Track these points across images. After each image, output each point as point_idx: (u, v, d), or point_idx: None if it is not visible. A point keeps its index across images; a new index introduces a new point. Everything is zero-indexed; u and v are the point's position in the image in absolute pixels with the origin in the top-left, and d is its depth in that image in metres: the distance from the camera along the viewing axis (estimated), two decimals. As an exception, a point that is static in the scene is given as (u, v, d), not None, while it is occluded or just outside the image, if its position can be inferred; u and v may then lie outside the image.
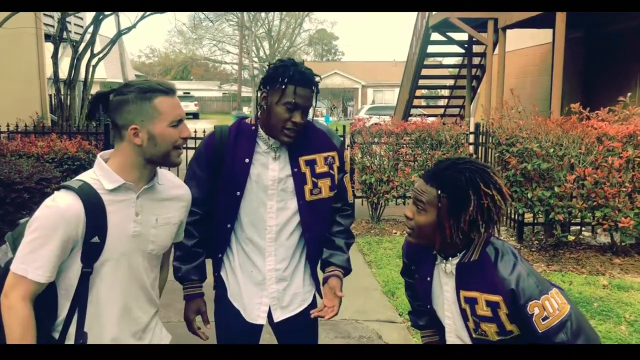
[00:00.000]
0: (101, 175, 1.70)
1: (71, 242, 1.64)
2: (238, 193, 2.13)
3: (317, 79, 2.11)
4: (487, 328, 1.68)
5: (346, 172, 2.29)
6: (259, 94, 2.11)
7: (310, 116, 2.18)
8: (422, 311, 2.04)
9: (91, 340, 1.72)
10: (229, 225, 2.16)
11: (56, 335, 1.71)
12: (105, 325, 1.74)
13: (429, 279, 1.84)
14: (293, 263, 2.22)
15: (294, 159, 2.15)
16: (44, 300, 1.67)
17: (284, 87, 2.01)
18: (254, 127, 2.16)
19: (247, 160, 2.12)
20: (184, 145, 1.79)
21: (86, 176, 1.72)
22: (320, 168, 2.18)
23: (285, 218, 2.17)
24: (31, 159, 6.34)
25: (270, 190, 2.14)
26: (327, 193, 2.20)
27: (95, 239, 1.65)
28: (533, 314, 1.60)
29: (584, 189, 5.42)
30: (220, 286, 2.26)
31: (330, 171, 2.20)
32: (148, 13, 11.88)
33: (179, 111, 1.73)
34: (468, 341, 1.78)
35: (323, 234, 2.25)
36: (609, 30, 10.12)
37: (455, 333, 1.81)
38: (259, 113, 2.14)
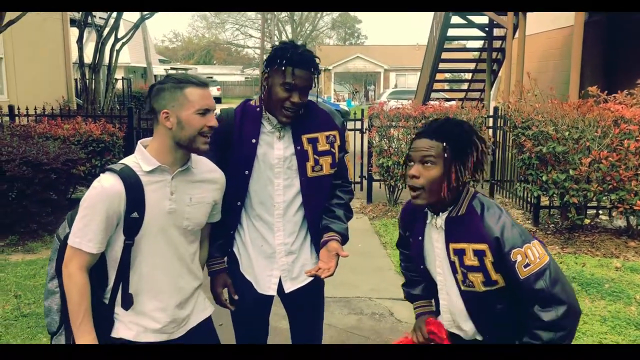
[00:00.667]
0: (140, 158, 1.93)
1: (115, 218, 1.87)
2: (247, 172, 2.22)
3: (316, 60, 2.18)
4: (474, 278, 1.80)
5: (347, 151, 2.39)
6: (262, 77, 2.21)
7: (318, 97, 2.29)
8: (415, 281, 2.15)
9: (137, 305, 1.94)
10: (239, 203, 2.26)
11: (106, 301, 1.94)
12: (150, 291, 1.96)
13: (420, 238, 1.97)
14: (300, 237, 2.32)
15: (297, 137, 2.24)
16: (96, 271, 1.91)
17: (282, 68, 2.11)
18: (258, 109, 2.25)
19: (253, 141, 2.22)
20: (210, 133, 1.95)
21: (129, 160, 1.95)
22: (322, 146, 2.27)
23: (291, 195, 2.27)
24: (57, 141, 6.55)
25: (277, 169, 2.24)
26: (327, 170, 2.29)
27: (135, 214, 1.88)
28: (516, 261, 1.73)
29: (599, 172, 5.43)
30: (233, 261, 2.36)
31: (332, 149, 2.29)
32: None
33: (207, 102, 1.93)
34: (458, 299, 1.89)
35: (321, 206, 2.34)
36: (630, 13, 9.95)
37: (446, 290, 1.93)
38: (262, 94, 2.23)
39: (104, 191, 1.86)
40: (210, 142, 2.23)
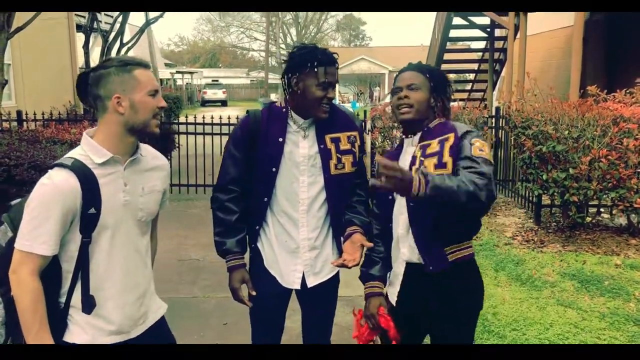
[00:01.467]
0: (89, 150, 1.82)
1: (70, 215, 1.76)
2: (274, 169, 2.33)
3: (335, 56, 2.35)
4: (428, 163, 2.04)
5: (365, 152, 2.55)
6: (287, 80, 2.33)
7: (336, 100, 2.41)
8: (374, 260, 2.32)
9: (97, 306, 1.84)
10: (265, 199, 2.37)
11: (61, 304, 1.83)
12: (109, 290, 1.87)
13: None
14: (323, 233, 2.43)
15: (320, 137, 2.37)
16: (47, 273, 1.79)
17: (315, 69, 2.25)
18: (284, 110, 2.38)
19: (280, 140, 2.33)
20: (160, 116, 1.92)
21: (75, 153, 1.84)
22: (344, 145, 2.40)
23: (315, 191, 2.38)
24: (65, 145, 6.63)
25: (302, 166, 2.35)
26: (349, 168, 2.42)
27: (92, 210, 1.77)
28: (473, 144, 2.02)
29: (599, 171, 5.49)
30: (256, 255, 2.45)
31: (353, 149, 2.42)
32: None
33: (155, 83, 1.89)
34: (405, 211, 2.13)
35: (343, 203, 2.47)
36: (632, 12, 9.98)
37: (400, 211, 2.18)
38: (287, 97, 2.37)
39: (57, 188, 1.73)
40: (238, 142, 2.34)
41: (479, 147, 2.01)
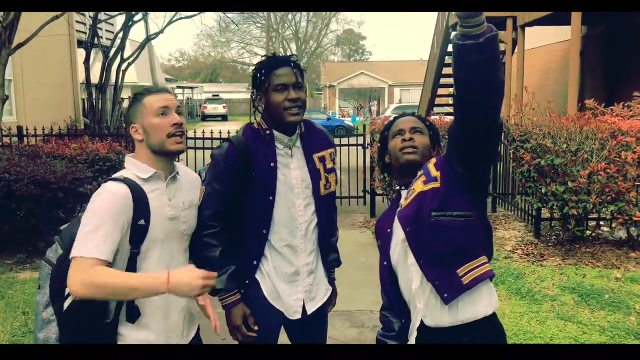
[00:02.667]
0: (135, 169, 1.94)
1: (126, 224, 1.82)
2: (271, 198, 2.19)
3: (293, 57, 2.24)
4: (417, 186, 1.96)
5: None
6: (253, 103, 2.24)
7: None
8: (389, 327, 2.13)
9: (144, 317, 1.88)
10: (264, 232, 2.21)
11: (110, 317, 1.84)
12: (155, 301, 1.89)
13: (389, 230, 2.06)
14: (317, 255, 2.35)
15: (308, 156, 2.28)
16: None
17: (264, 78, 2.17)
18: (268, 132, 2.23)
19: (272, 165, 2.20)
20: (179, 133, 1.97)
21: (122, 173, 1.95)
22: (329, 164, 2.33)
23: (310, 214, 2.28)
24: (65, 160, 6.65)
25: (297, 189, 2.24)
26: (334, 187, 2.37)
27: (142, 222, 1.85)
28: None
29: (598, 184, 5.49)
30: (255, 287, 2.27)
31: (334, 166, 2.36)
32: (175, 18, 12.24)
33: (162, 102, 1.95)
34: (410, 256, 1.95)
35: (331, 223, 2.44)
36: (629, 25, 10.06)
37: (403, 276, 2.01)
38: (263, 119, 2.25)
39: (114, 197, 1.81)
40: (224, 175, 2.18)
41: None
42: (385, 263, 2.06)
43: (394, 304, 2.08)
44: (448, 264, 1.87)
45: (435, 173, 1.93)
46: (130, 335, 1.88)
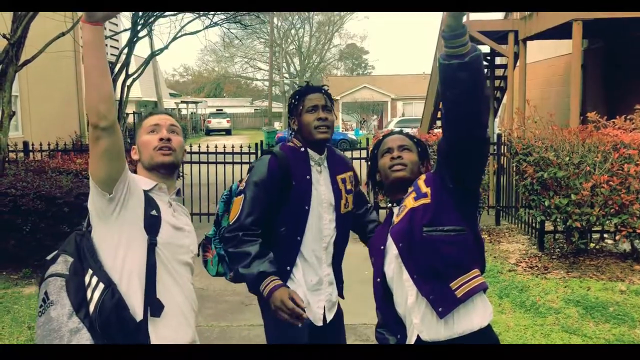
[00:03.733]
0: (139, 181, 1.96)
1: (129, 185, 1.85)
2: (306, 207, 2.40)
3: (324, 86, 2.53)
4: (407, 202, 2.00)
5: (360, 183, 2.72)
6: (289, 126, 2.51)
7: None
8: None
9: (164, 320, 1.86)
10: (298, 238, 2.40)
11: (138, 317, 1.82)
12: (174, 309, 1.90)
13: (382, 247, 2.09)
14: (332, 267, 2.55)
15: (333, 177, 2.50)
16: (118, 296, 1.80)
17: (298, 102, 2.45)
18: (302, 149, 2.47)
19: (308, 177, 2.43)
20: (165, 147, 2.00)
21: None
22: (348, 185, 2.55)
23: (332, 228, 2.49)
24: (70, 175, 6.69)
25: (324, 204, 2.45)
26: (350, 207, 2.56)
27: (154, 212, 1.90)
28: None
29: (600, 196, 5.51)
30: None
31: (352, 188, 2.58)
32: (180, 34, 12.36)
33: (154, 121, 2.04)
34: (394, 248, 2.01)
35: (345, 242, 2.60)
36: (630, 38, 10.12)
37: (398, 293, 2.04)
38: (299, 139, 2.48)
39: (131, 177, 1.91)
40: (267, 183, 2.35)
41: None
42: (379, 280, 2.11)
43: (389, 320, 2.10)
44: (441, 278, 1.91)
45: (425, 189, 1.98)
46: (157, 332, 1.86)
